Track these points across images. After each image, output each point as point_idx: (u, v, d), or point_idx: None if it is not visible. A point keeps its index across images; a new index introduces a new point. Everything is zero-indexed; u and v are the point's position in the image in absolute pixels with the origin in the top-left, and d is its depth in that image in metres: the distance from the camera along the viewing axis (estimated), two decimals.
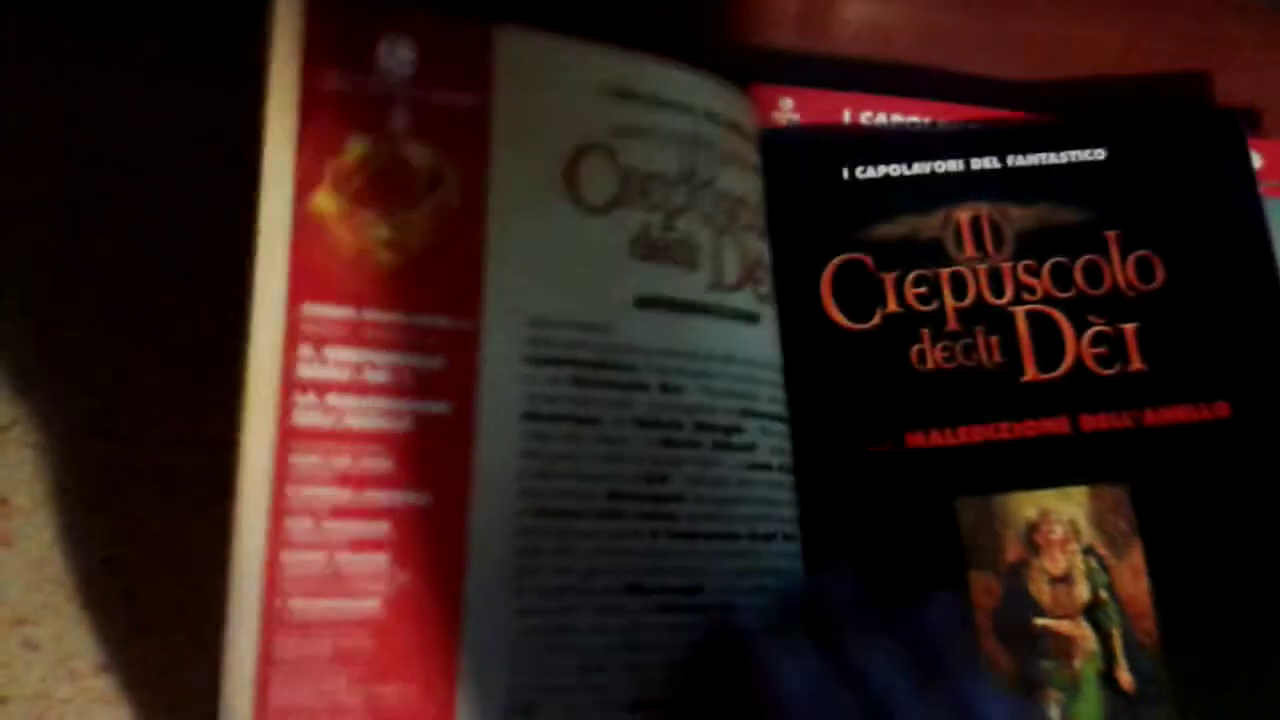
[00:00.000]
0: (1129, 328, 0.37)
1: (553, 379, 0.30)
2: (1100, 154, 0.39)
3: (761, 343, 0.34)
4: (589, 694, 0.30)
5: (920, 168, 0.38)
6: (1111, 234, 0.38)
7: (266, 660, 0.28)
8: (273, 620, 0.28)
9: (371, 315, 0.29)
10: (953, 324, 0.37)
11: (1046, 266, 0.37)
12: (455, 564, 0.29)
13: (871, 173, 0.38)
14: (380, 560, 0.29)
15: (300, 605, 0.28)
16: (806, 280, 0.36)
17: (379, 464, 0.29)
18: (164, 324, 0.37)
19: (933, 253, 0.37)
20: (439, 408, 0.29)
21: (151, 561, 0.35)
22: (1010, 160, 0.38)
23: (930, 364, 0.36)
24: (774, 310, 0.35)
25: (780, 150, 0.37)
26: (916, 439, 0.35)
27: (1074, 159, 0.38)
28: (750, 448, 0.33)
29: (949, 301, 0.37)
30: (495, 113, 0.31)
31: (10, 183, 0.38)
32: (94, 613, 0.35)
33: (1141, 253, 0.38)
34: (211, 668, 0.29)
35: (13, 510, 0.36)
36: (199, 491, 0.36)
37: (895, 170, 0.38)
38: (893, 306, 0.37)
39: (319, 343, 0.29)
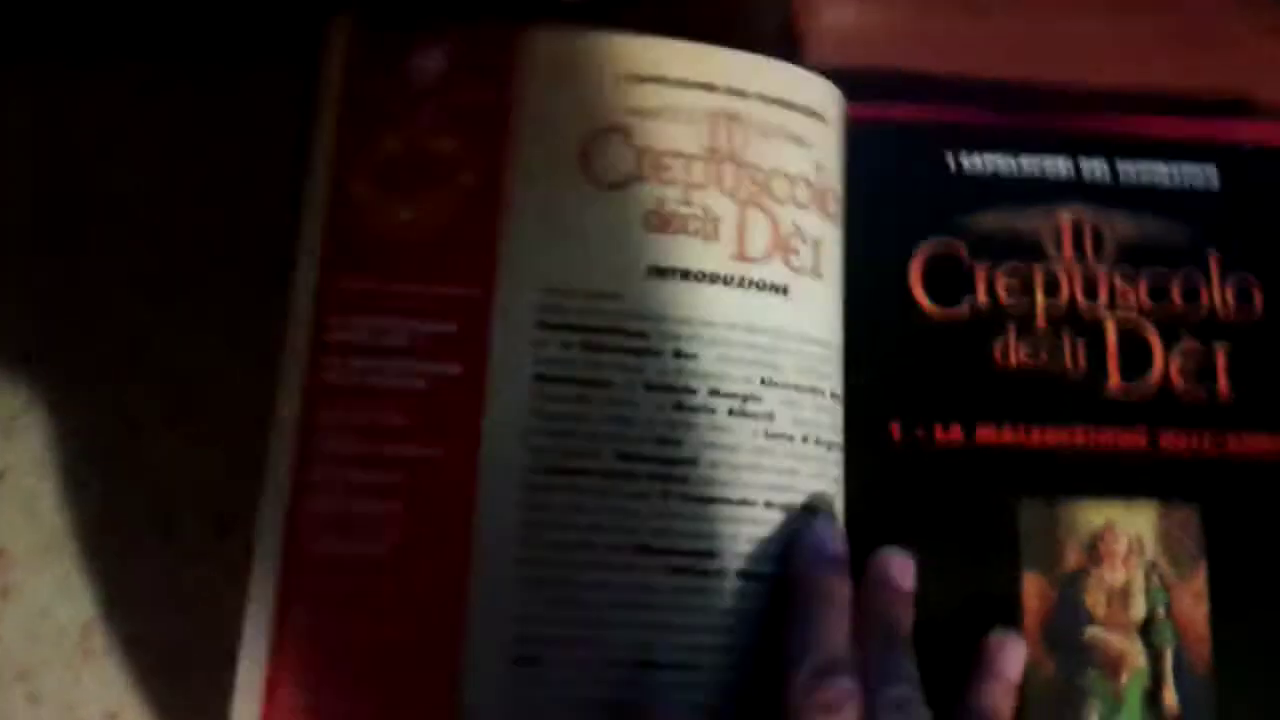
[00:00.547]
0: (1221, 351, 0.36)
1: (563, 343, 0.32)
2: (1213, 175, 0.38)
3: (792, 314, 0.34)
4: (593, 649, 0.31)
5: (1028, 163, 0.37)
6: (1213, 255, 0.37)
7: (287, 596, 0.30)
8: (294, 559, 0.30)
9: (393, 286, 0.32)
10: (1041, 323, 0.36)
11: (1144, 278, 0.36)
12: (464, 516, 0.31)
13: (977, 162, 0.37)
14: (394, 508, 0.31)
15: (319, 547, 0.31)
16: (896, 262, 0.36)
17: (395, 419, 0.31)
18: (155, 364, 0.36)
19: (1029, 249, 0.37)
20: (452, 369, 0.32)
21: (154, 604, 0.35)
22: (1121, 169, 0.37)
23: (1013, 361, 0.36)
24: (821, 284, 0.35)
25: (882, 134, 0.37)
26: (988, 433, 0.35)
27: (1187, 176, 0.38)
28: (768, 416, 0.33)
29: (1039, 300, 0.36)
30: (517, 106, 0.34)
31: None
32: (98, 660, 0.35)
33: (1243, 278, 0.37)
34: (223, 710, 0.29)
35: (12, 561, 0.35)
36: (198, 532, 0.35)
37: (1003, 163, 0.37)
38: (982, 298, 0.36)
39: (345, 310, 0.32)
